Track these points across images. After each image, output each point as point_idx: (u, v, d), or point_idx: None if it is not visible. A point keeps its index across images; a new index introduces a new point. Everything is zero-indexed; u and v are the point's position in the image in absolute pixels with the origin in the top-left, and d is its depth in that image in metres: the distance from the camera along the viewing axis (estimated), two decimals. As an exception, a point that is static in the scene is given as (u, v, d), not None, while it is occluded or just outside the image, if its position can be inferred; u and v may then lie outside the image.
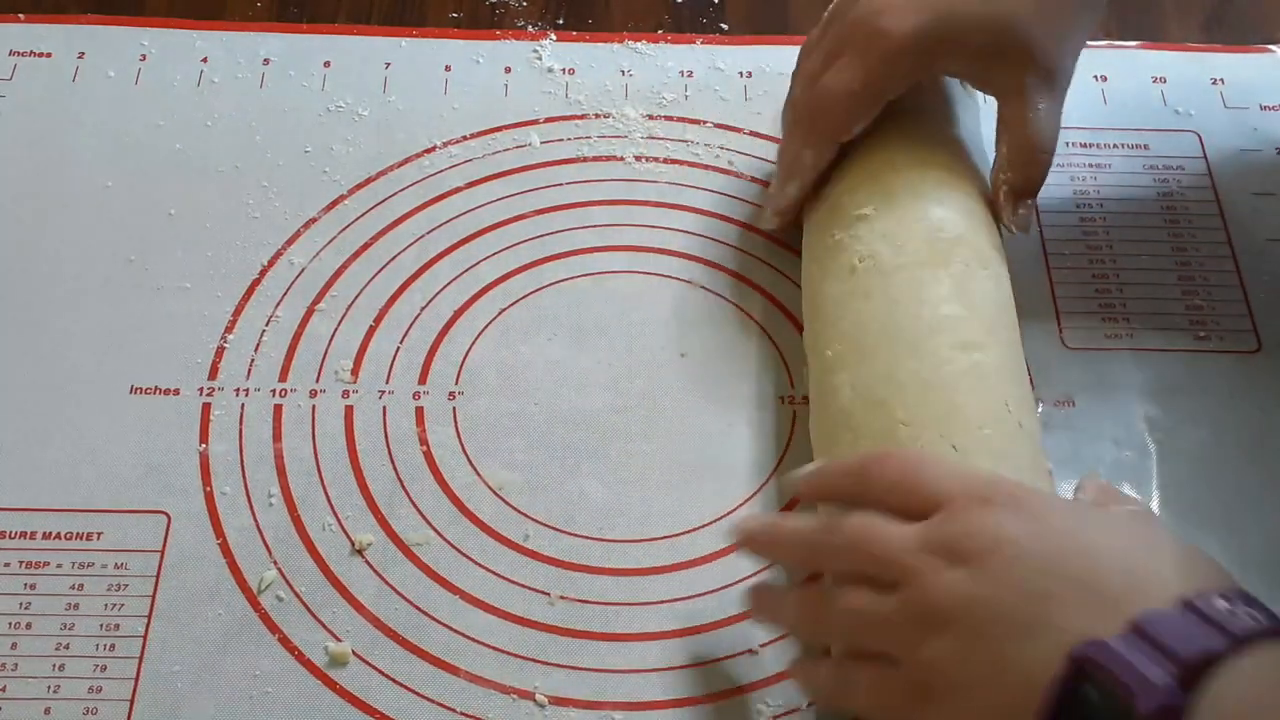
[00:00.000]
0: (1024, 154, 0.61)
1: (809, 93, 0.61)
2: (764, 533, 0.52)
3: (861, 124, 0.60)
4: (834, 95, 0.60)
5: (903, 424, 0.52)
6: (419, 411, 0.61)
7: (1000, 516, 0.45)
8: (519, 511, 0.58)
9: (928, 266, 0.56)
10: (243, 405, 0.61)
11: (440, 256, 0.66)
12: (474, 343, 0.64)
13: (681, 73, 0.74)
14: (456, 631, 0.55)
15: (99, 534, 0.57)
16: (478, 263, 0.66)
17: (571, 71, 0.74)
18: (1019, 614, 0.43)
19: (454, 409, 0.61)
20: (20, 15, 0.75)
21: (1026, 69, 0.59)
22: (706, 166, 0.70)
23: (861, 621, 0.47)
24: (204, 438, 0.60)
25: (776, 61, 0.75)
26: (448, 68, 0.74)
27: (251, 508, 0.58)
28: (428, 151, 0.70)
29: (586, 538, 0.58)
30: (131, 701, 0.53)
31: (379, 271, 0.66)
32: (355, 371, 0.62)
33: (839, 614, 0.47)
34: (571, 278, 0.66)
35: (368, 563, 0.57)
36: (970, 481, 0.47)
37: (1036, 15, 0.58)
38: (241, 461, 0.59)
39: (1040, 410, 0.61)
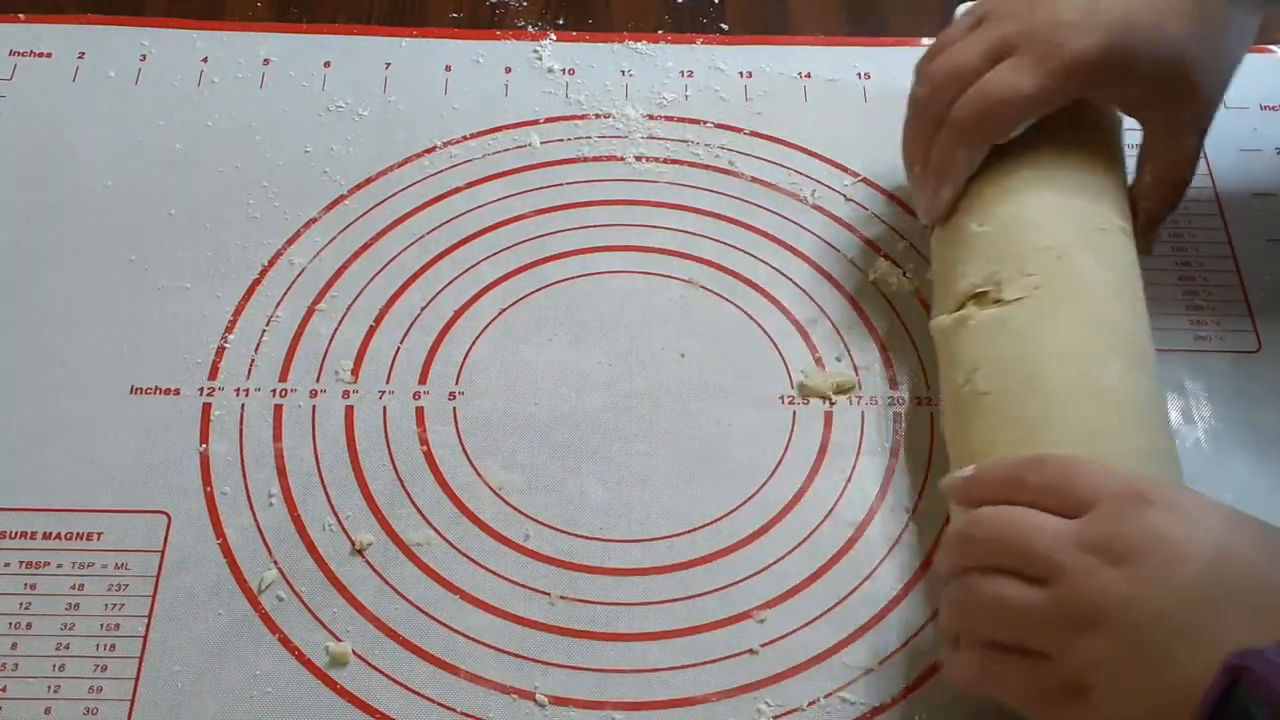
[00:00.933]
0: (1167, 187, 0.61)
1: (971, 91, 0.58)
2: (946, 538, 0.51)
3: (1020, 129, 0.58)
4: (1004, 96, 0.57)
5: (1049, 426, 0.52)
6: (419, 411, 0.61)
7: (1159, 517, 0.45)
8: (519, 511, 0.58)
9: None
10: (243, 405, 0.61)
11: (440, 256, 0.66)
12: (474, 343, 0.64)
13: (681, 73, 0.74)
14: (457, 631, 0.55)
15: (99, 534, 0.57)
16: (478, 263, 0.66)
17: (572, 72, 0.74)
18: (1175, 617, 0.43)
19: (454, 409, 0.61)
20: (20, 15, 0.75)
21: (1185, 104, 0.59)
22: (706, 166, 0.70)
23: (1009, 614, 0.46)
24: (204, 438, 0.60)
25: (776, 61, 0.75)
26: (448, 68, 0.74)
27: (252, 508, 0.58)
28: (428, 151, 0.70)
29: (587, 538, 0.58)
30: (132, 701, 0.53)
31: (379, 271, 0.66)
32: (355, 371, 0.62)
33: (986, 605, 0.47)
34: (572, 278, 0.66)
35: (368, 563, 0.57)
36: (1127, 481, 0.46)
37: (1204, 51, 0.58)
38: (242, 461, 0.59)
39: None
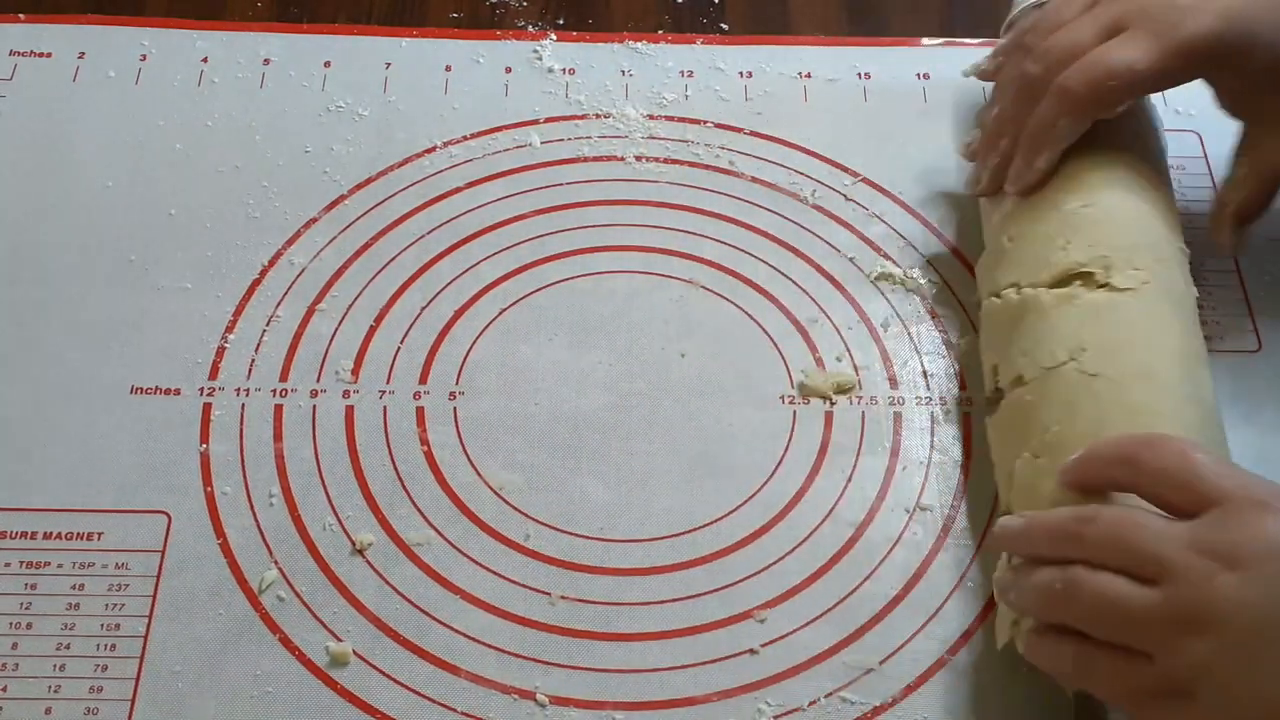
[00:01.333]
0: (1264, 181, 0.61)
1: (1084, 60, 0.57)
2: (1019, 530, 0.50)
3: (1127, 104, 0.58)
4: (1116, 69, 0.56)
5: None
6: (419, 411, 0.61)
7: (1278, 524, 0.44)
8: (520, 511, 0.58)
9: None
10: (243, 405, 0.61)
11: (441, 256, 0.66)
12: (475, 343, 0.64)
13: (682, 73, 0.74)
14: (457, 631, 0.55)
15: (100, 534, 0.57)
16: (478, 263, 0.66)
17: (572, 71, 0.74)
18: None
19: (454, 409, 0.61)
20: (20, 15, 0.75)
21: None
22: (707, 166, 0.70)
23: (1116, 612, 0.46)
24: (204, 438, 0.60)
25: (777, 61, 0.75)
26: (448, 68, 0.74)
27: (252, 508, 0.58)
28: (428, 151, 0.70)
29: (587, 538, 0.58)
30: (132, 701, 0.53)
31: (379, 271, 0.66)
32: (356, 371, 0.62)
33: (1091, 600, 0.46)
34: (572, 278, 0.66)
35: (368, 563, 0.57)
36: (1246, 482, 0.46)
37: None
38: (242, 461, 0.59)
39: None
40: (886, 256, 0.67)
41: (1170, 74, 0.57)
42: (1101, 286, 0.55)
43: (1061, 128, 0.59)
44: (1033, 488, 0.52)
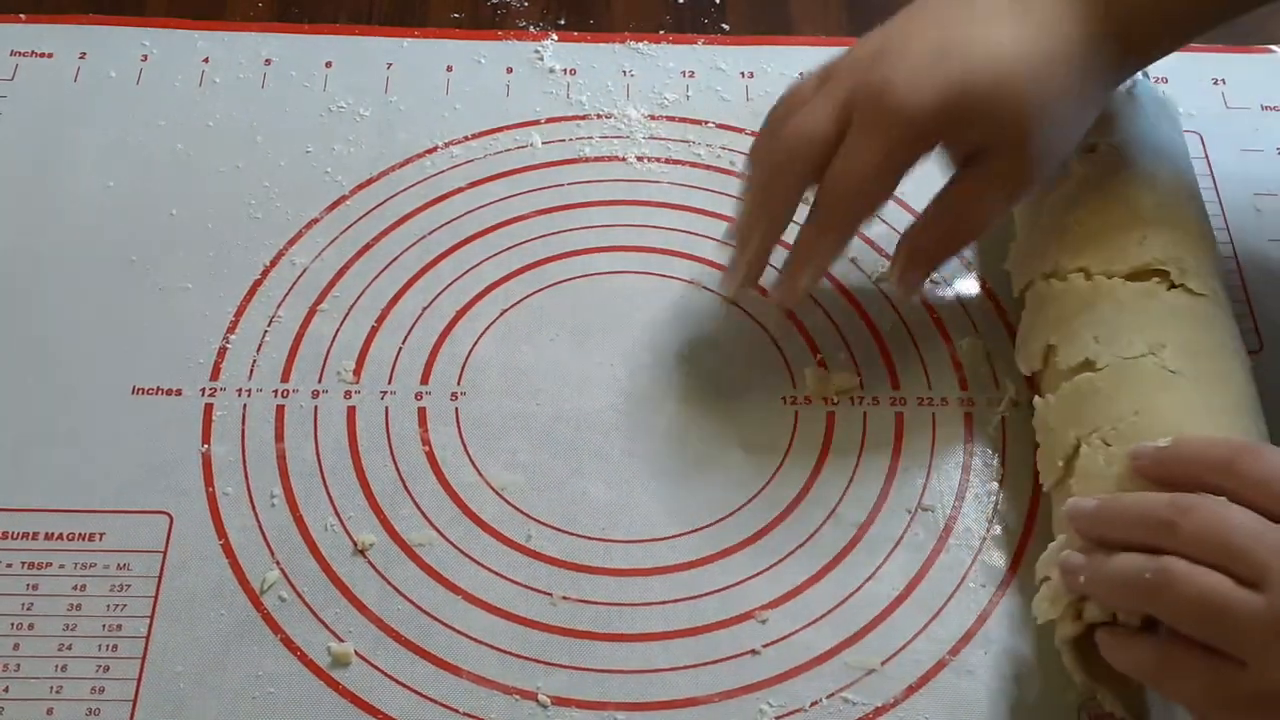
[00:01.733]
0: (954, 232, 0.59)
1: (827, 183, 0.56)
2: (1099, 510, 0.49)
3: (883, 204, 0.57)
4: (854, 182, 0.55)
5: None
6: (421, 412, 0.61)
7: None
8: (521, 512, 0.58)
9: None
10: (245, 405, 0.61)
11: (442, 257, 0.66)
12: (476, 343, 0.64)
13: (683, 73, 0.74)
14: (459, 632, 0.55)
15: (101, 535, 0.57)
16: (479, 263, 0.66)
17: (573, 72, 0.74)
18: None
19: (456, 409, 0.61)
20: (21, 15, 0.75)
21: (1009, 158, 0.56)
22: (708, 167, 0.70)
23: (1216, 612, 0.44)
24: (206, 438, 0.60)
25: (778, 62, 0.75)
26: (449, 68, 0.74)
27: (254, 508, 0.58)
28: (429, 152, 0.70)
29: (589, 538, 0.58)
30: (134, 702, 0.53)
31: (381, 272, 0.66)
32: (357, 372, 0.62)
33: (1190, 596, 0.45)
34: (573, 278, 0.66)
35: (370, 563, 0.57)
36: None
37: (1042, 108, 0.55)
38: (244, 462, 0.59)
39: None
40: (887, 257, 0.67)
41: (910, 156, 0.55)
42: (1174, 287, 0.56)
43: (825, 244, 0.58)
44: (1101, 473, 0.52)
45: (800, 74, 0.61)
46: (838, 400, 0.62)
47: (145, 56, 0.74)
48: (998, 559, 0.57)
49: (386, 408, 0.61)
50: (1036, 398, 0.57)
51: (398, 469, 0.59)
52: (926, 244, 0.59)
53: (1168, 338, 0.54)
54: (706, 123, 0.72)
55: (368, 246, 0.67)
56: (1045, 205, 0.62)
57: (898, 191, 0.68)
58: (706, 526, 0.58)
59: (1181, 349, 0.54)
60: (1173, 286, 0.56)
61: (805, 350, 0.64)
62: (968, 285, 0.66)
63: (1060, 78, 0.55)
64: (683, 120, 0.72)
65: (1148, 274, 0.57)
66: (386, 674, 0.54)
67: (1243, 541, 0.45)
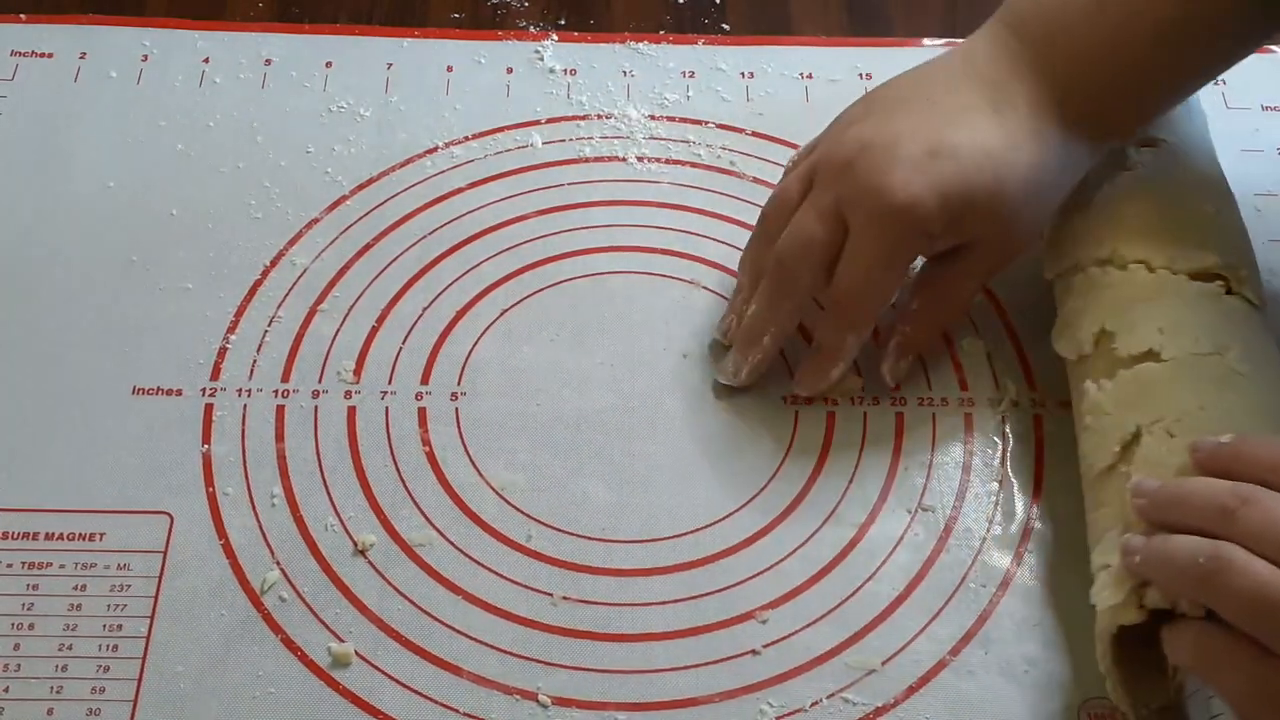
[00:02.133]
0: (941, 322, 0.62)
1: (841, 286, 0.58)
2: (1164, 489, 0.49)
3: (894, 297, 0.60)
4: (862, 285, 0.58)
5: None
6: (421, 412, 0.61)
7: None
8: (521, 512, 0.58)
9: None
10: (245, 406, 0.61)
11: (442, 257, 0.66)
12: (476, 343, 0.64)
13: (683, 73, 0.75)
14: (459, 632, 0.55)
15: (101, 535, 0.57)
16: (480, 263, 0.66)
17: (573, 72, 0.74)
18: None
19: (456, 409, 0.61)
20: (21, 15, 0.75)
21: (996, 248, 0.59)
22: (708, 167, 0.70)
23: (1266, 606, 0.44)
24: (206, 438, 0.60)
25: (778, 62, 0.75)
26: (449, 68, 0.74)
27: (254, 508, 0.58)
28: (429, 152, 0.70)
29: (589, 538, 0.58)
30: (134, 702, 0.53)
31: (381, 272, 0.66)
32: (357, 372, 0.62)
33: (1244, 587, 0.44)
34: (573, 278, 0.66)
35: (370, 563, 0.57)
36: None
37: (1031, 202, 0.58)
38: (244, 462, 0.59)
39: (1044, 412, 0.62)
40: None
41: (912, 253, 0.59)
42: (1231, 293, 0.57)
43: (849, 343, 0.60)
44: (1163, 462, 0.52)
45: (788, 161, 0.65)
46: (838, 401, 0.62)
47: (145, 56, 0.74)
48: (998, 559, 0.57)
49: (387, 408, 0.61)
50: (1088, 382, 0.57)
51: (398, 469, 0.59)
52: (916, 335, 0.61)
53: (1233, 340, 0.55)
54: (706, 123, 0.72)
55: (368, 247, 0.67)
56: (1096, 192, 0.62)
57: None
58: (706, 526, 0.58)
59: (1245, 352, 0.55)
60: (1229, 292, 0.57)
61: (805, 350, 0.64)
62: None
63: (1046, 172, 0.58)
64: (683, 120, 0.72)
65: (1209, 276, 0.58)
66: (387, 674, 0.54)
67: None
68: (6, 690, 0.53)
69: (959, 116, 0.58)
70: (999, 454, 0.61)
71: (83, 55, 0.74)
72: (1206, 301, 0.57)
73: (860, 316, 0.59)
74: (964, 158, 0.56)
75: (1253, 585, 0.44)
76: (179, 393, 0.61)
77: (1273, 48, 0.77)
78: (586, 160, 0.71)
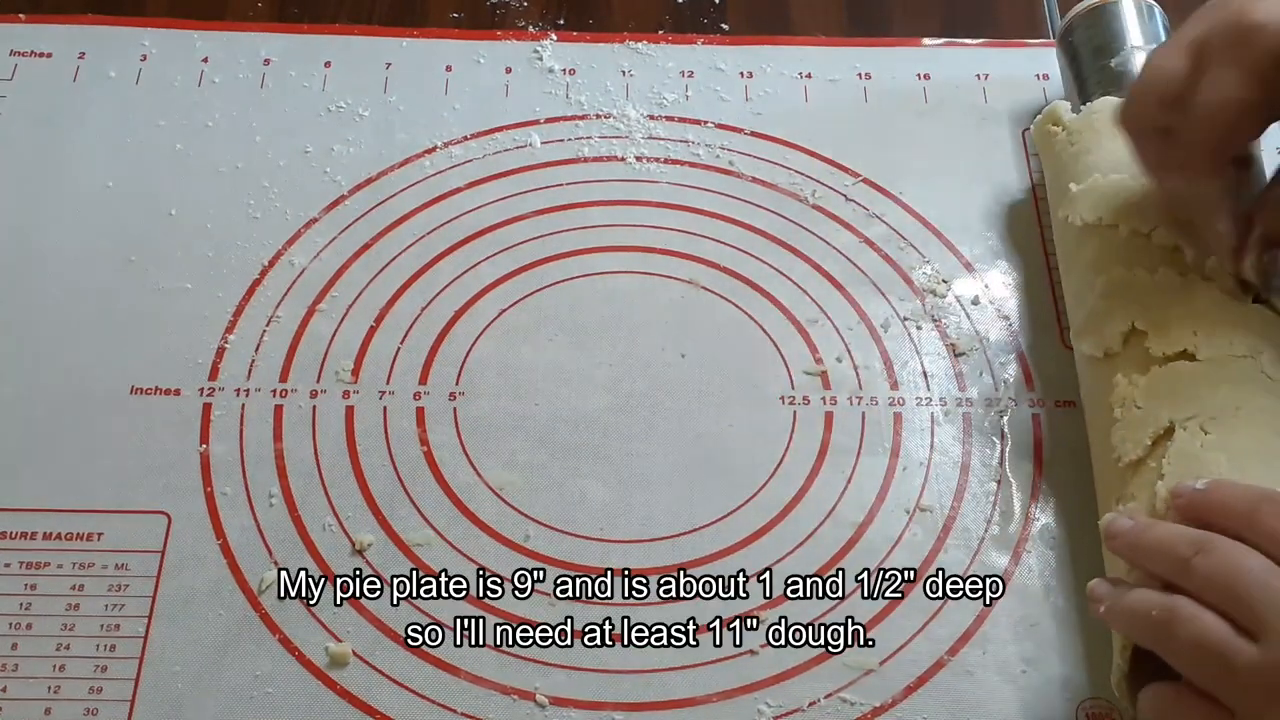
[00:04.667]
0: None
1: (1184, 122, 0.53)
2: (1130, 534, 0.49)
3: (1255, 137, 0.55)
4: (1212, 115, 0.52)
5: None
6: (419, 412, 0.61)
7: None
8: (520, 512, 0.58)
9: None
10: (243, 406, 0.61)
11: (441, 257, 0.66)
12: (475, 343, 0.64)
13: (682, 73, 0.74)
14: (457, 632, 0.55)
15: (99, 534, 0.57)
16: (478, 263, 0.66)
17: (572, 72, 0.74)
18: None
19: (454, 409, 0.61)
20: (21, 15, 0.75)
21: None
22: (707, 167, 0.70)
23: (1208, 659, 0.44)
24: (204, 438, 0.60)
25: (777, 62, 0.75)
26: (448, 68, 0.74)
27: (252, 508, 0.58)
28: (428, 152, 0.70)
29: (587, 538, 0.58)
30: (132, 702, 0.53)
31: (380, 272, 0.66)
32: (356, 372, 0.62)
33: (1188, 640, 0.45)
34: (572, 278, 0.66)
35: (368, 563, 0.57)
36: None
37: None
38: (242, 462, 0.59)
39: (1042, 411, 0.62)
40: (887, 258, 0.67)
41: (1269, 92, 0.52)
42: (1258, 301, 0.57)
43: (1211, 192, 0.55)
44: (1197, 455, 0.52)
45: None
46: (837, 400, 0.62)
47: (144, 56, 0.74)
48: (996, 559, 0.57)
49: (385, 408, 0.61)
50: (1119, 375, 0.57)
51: (396, 469, 0.59)
52: (1276, 224, 0.56)
53: (1263, 345, 0.55)
54: (705, 123, 0.72)
55: (366, 246, 0.67)
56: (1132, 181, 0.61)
57: (904, 197, 0.69)
58: (705, 527, 0.58)
59: (1276, 357, 0.55)
60: (1257, 299, 0.57)
61: (804, 350, 0.64)
62: (967, 285, 0.66)
63: None
64: (682, 120, 0.72)
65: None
66: (384, 674, 0.54)
67: (1249, 590, 0.44)
68: (4, 690, 0.53)
69: None
70: (997, 454, 0.61)
71: (82, 55, 0.74)
72: (1236, 306, 0.57)
73: (1204, 164, 0.54)
74: None
75: (1196, 637, 0.45)
76: (177, 392, 0.61)
77: (1272, 47, 0.77)
78: (585, 160, 0.71)
